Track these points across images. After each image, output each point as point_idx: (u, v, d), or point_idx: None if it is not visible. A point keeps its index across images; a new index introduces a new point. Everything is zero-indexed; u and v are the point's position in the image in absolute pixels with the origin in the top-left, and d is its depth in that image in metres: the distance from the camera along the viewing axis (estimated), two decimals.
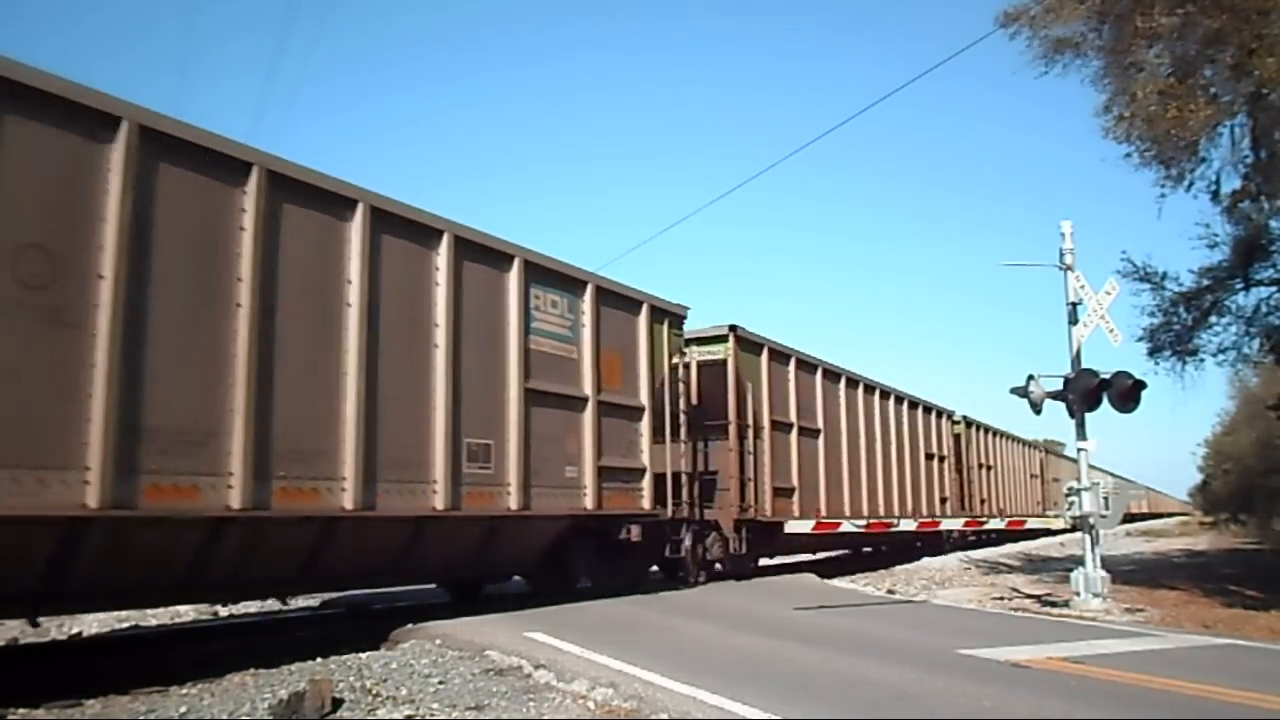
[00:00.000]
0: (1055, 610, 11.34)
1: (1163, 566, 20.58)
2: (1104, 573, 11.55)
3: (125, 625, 9.78)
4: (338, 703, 5.29)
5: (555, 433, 9.68)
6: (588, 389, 10.17)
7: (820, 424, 15.94)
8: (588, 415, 10.12)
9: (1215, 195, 14.08)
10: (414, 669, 6.28)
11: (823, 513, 15.44)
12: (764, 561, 15.56)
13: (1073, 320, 12.36)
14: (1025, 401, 12.33)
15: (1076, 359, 12.26)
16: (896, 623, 9.57)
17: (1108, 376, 11.58)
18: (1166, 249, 75.22)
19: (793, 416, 14.92)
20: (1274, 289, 15.21)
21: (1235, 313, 15.77)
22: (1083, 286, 12.24)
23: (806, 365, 15.88)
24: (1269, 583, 14.67)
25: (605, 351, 10.52)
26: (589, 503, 10.02)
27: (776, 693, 5.61)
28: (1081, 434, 12.03)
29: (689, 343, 13.18)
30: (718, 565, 13.02)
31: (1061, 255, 12.45)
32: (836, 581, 14.81)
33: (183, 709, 5.25)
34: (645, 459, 11.04)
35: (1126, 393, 11.41)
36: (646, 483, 11.03)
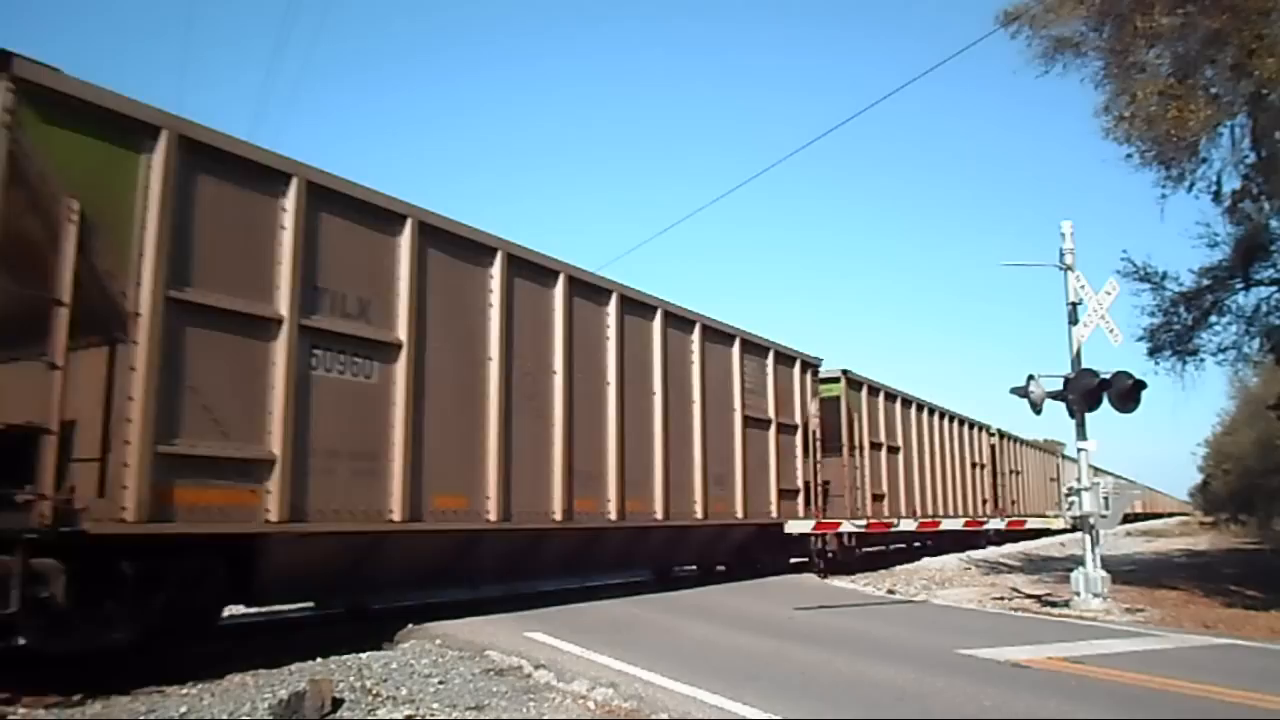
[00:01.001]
0: (1055, 610, 11.34)
1: (1163, 566, 20.58)
2: (1104, 573, 11.55)
3: None
4: (338, 703, 5.28)
5: None
6: None
7: (403, 335, 7.75)
8: None
9: (1216, 195, 14.13)
10: (414, 669, 6.28)
11: (395, 514, 7.49)
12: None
13: (1073, 320, 12.37)
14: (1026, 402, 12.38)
15: (1076, 359, 12.27)
16: (897, 623, 9.58)
17: (1108, 376, 11.60)
18: (1167, 249, 75.27)
19: (282, 308, 6.74)
20: (1274, 289, 15.23)
21: (1235, 312, 15.81)
22: (1083, 286, 12.25)
23: (369, 210, 7.56)
24: (1269, 583, 14.66)
25: None
26: None
27: (777, 693, 5.62)
28: (1081, 434, 12.04)
29: None
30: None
31: (1061, 255, 12.47)
32: (837, 581, 14.81)
33: (183, 709, 5.24)
34: None
35: (1126, 393, 11.43)
36: None
